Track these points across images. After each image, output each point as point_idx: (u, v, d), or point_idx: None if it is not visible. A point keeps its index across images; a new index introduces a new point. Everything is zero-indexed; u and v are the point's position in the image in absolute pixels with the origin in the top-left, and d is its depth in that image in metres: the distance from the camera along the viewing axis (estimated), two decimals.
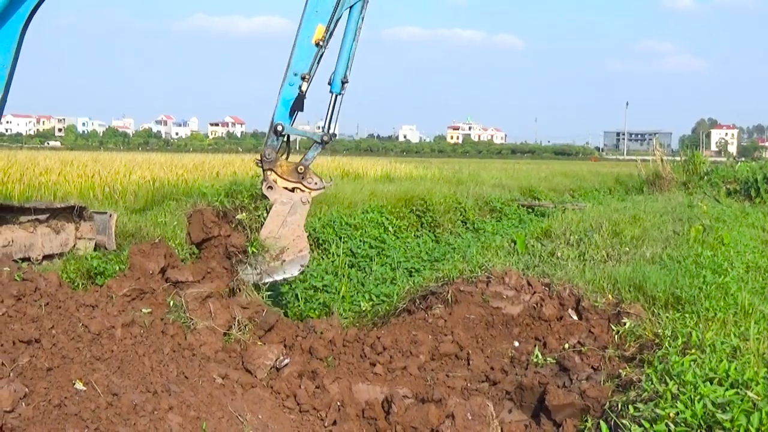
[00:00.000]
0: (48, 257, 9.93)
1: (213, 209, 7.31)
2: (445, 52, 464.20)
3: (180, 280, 6.77)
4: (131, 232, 11.47)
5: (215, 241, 7.18)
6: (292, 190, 7.48)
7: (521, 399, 6.00)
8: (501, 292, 7.32)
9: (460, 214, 18.95)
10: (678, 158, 31.72)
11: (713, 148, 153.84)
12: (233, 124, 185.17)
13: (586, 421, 5.36)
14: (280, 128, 7.39)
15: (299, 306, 9.81)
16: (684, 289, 7.12)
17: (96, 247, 10.53)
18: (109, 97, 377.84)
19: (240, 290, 7.27)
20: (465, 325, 7.11)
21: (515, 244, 10.10)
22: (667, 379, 4.86)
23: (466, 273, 7.82)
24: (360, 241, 13.60)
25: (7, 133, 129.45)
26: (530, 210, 22.67)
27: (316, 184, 7.55)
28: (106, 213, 11.10)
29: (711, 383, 4.59)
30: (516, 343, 6.90)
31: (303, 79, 7.30)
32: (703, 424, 4.22)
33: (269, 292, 7.78)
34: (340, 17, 7.48)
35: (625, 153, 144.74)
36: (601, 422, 4.92)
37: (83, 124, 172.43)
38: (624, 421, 4.67)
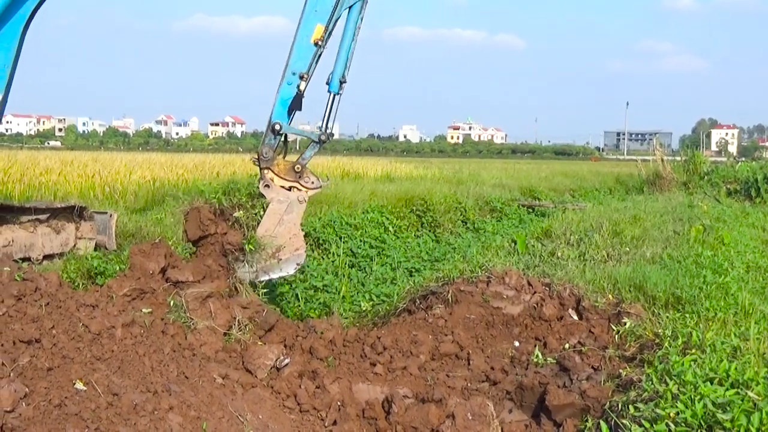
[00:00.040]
0: (48, 257, 9.93)
1: (210, 207, 7.31)
2: (446, 52, 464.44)
3: (180, 280, 6.77)
4: (131, 232, 11.47)
5: (212, 239, 7.18)
6: (289, 188, 7.49)
7: (521, 399, 6.00)
8: (501, 292, 7.32)
9: (461, 214, 18.95)
10: (678, 158, 31.73)
11: (713, 148, 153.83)
12: (233, 124, 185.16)
13: (587, 421, 5.36)
14: (277, 127, 7.40)
15: (299, 306, 9.81)
16: (684, 289, 7.12)
17: (96, 247, 10.53)
18: (109, 97, 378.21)
19: (237, 290, 7.27)
20: (465, 325, 7.11)
21: (515, 244, 10.11)
22: (668, 379, 4.86)
23: (466, 273, 7.82)
24: (360, 240, 13.60)
25: (7, 133, 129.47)
26: (530, 210, 22.67)
27: (312, 183, 7.56)
28: (106, 213, 11.09)
29: (711, 383, 4.59)
30: (516, 343, 6.90)
31: (301, 78, 7.30)
32: (703, 424, 4.22)
33: (265, 289, 7.78)
34: (339, 17, 7.48)
35: (625, 153, 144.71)
36: (602, 422, 4.92)
37: (83, 124, 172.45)
38: (624, 421, 4.67)
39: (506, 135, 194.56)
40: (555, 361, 6.31)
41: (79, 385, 4.56)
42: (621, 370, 5.77)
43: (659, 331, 6.11)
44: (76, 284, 8.22)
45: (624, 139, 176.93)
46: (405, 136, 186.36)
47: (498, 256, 9.09)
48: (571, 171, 42.61)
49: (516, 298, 7.26)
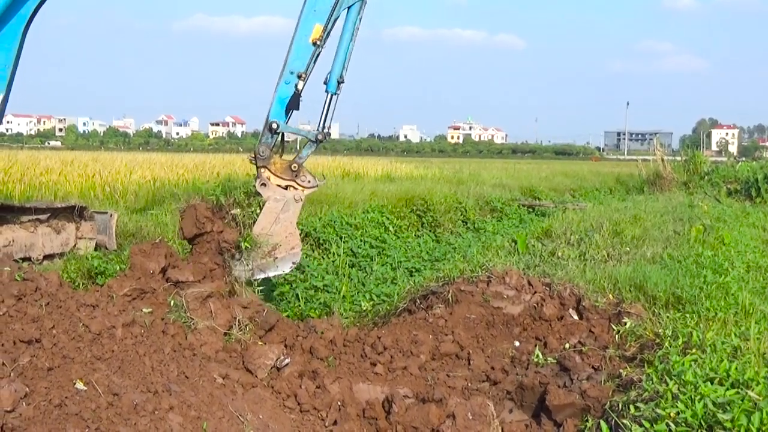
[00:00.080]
0: (48, 257, 9.93)
1: (206, 205, 7.32)
2: (446, 52, 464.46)
3: (181, 280, 6.77)
4: (132, 231, 11.47)
5: (208, 237, 7.18)
6: (286, 187, 7.50)
7: (522, 399, 6.00)
8: (502, 291, 7.32)
9: (461, 214, 18.95)
10: (679, 158, 31.75)
11: (714, 147, 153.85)
12: (234, 124, 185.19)
13: (587, 420, 5.36)
14: (275, 126, 7.42)
15: (300, 306, 9.81)
16: (685, 289, 7.12)
17: (97, 247, 10.53)
18: (109, 97, 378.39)
19: (234, 288, 7.27)
20: (466, 325, 7.11)
21: (516, 243, 10.11)
22: (668, 379, 4.86)
23: (466, 273, 7.82)
24: (361, 240, 13.60)
25: (7, 133, 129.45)
26: (531, 210, 22.67)
27: (309, 182, 7.57)
28: (106, 213, 11.10)
29: (711, 383, 4.59)
30: (517, 343, 6.90)
31: (299, 77, 7.31)
32: (703, 423, 4.22)
33: (261, 287, 7.78)
34: (338, 17, 7.49)
35: (625, 153, 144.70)
36: (602, 422, 4.93)
37: (84, 124, 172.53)
38: (624, 421, 4.67)
39: (506, 135, 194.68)
40: (555, 360, 6.31)
41: (80, 385, 4.56)
42: (621, 370, 5.77)
43: (659, 330, 6.11)
44: (77, 284, 8.23)
45: (624, 139, 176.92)
46: (405, 136, 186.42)
47: (498, 255, 9.09)
48: (572, 171, 42.61)
49: (516, 297, 7.26)
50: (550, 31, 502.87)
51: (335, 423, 5.85)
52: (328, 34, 7.46)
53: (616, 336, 6.48)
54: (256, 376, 6.26)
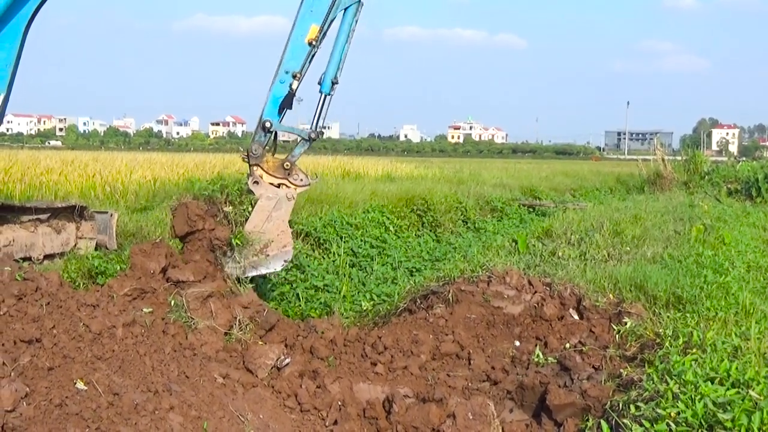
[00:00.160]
0: (49, 257, 9.92)
1: (198, 203, 7.32)
2: (446, 51, 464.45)
3: (181, 280, 6.78)
4: (132, 231, 11.46)
5: (199, 235, 7.18)
6: (278, 186, 7.51)
7: (522, 398, 6.00)
8: (502, 291, 7.32)
9: (461, 214, 18.94)
10: (679, 158, 31.72)
11: (714, 147, 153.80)
12: (234, 124, 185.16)
13: (587, 420, 5.36)
14: (268, 125, 7.45)
15: (300, 305, 9.81)
16: (685, 289, 7.12)
17: (97, 247, 10.52)
18: (110, 96, 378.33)
19: (226, 282, 7.27)
20: (466, 325, 7.11)
21: (516, 243, 10.11)
22: (668, 379, 4.86)
23: (467, 272, 7.82)
24: (361, 240, 13.60)
25: (8, 133, 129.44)
26: (531, 209, 22.64)
27: (301, 180, 7.58)
28: (107, 212, 11.08)
29: (712, 383, 4.59)
30: (517, 343, 6.90)
31: (294, 77, 7.33)
32: (704, 423, 4.22)
33: (251, 284, 7.76)
34: (335, 18, 7.52)
35: (626, 152, 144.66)
36: (602, 422, 4.93)
37: (84, 123, 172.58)
38: (625, 421, 4.67)
39: (507, 135, 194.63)
40: (556, 360, 6.31)
41: (80, 385, 4.56)
42: (622, 370, 5.76)
43: (660, 330, 6.11)
44: (77, 284, 8.23)
45: (625, 138, 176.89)
46: (406, 136, 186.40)
47: (499, 255, 9.09)
48: (572, 171, 42.56)
49: (517, 297, 7.26)
50: (550, 30, 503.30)
51: (336, 423, 5.85)
52: (324, 34, 7.49)
53: (617, 336, 6.47)
54: (257, 376, 6.26)
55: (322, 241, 13.05)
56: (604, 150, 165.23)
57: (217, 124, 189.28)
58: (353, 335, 7.13)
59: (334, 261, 12.25)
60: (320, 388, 6.10)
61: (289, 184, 7.53)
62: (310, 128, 7.66)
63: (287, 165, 7.50)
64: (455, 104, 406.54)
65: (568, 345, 6.55)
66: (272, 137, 7.59)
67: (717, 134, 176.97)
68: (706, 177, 27.27)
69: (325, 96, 7.60)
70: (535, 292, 7.34)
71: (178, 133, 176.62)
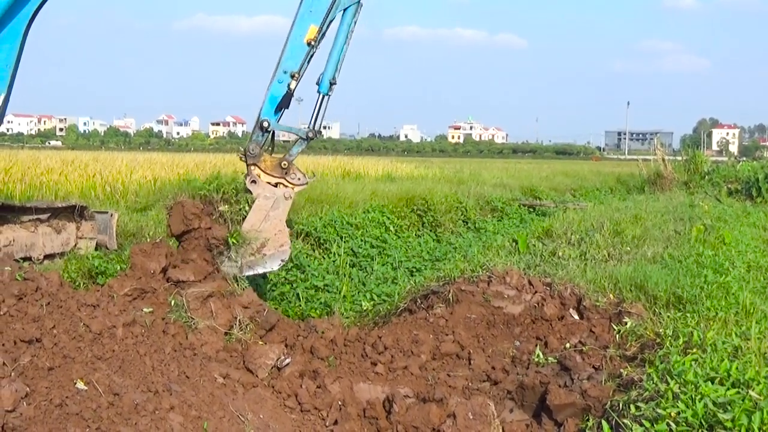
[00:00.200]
0: (49, 257, 9.92)
1: (194, 202, 7.33)
2: (447, 51, 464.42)
3: (181, 280, 6.78)
4: (132, 231, 11.47)
5: (195, 234, 7.19)
6: (276, 185, 7.52)
7: (522, 398, 6.00)
8: (502, 291, 7.32)
9: (462, 214, 18.93)
10: (679, 158, 31.70)
11: (714, 147, 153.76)
12: (234, 124, 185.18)
13: (588, 420, 5.36)
14: (265, 124, 7.46)
15: (300, 305, 9.81)
16: (685, 289, 7.11)
17: (97, 247, 10.53)
18: (110, 96, 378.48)
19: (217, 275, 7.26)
20: (466, 325, 7.11)
21: (516, 243, 10.11)
22: (669, 379, 4.86)
23: (467, 272, 7.82)
24: (361, 240, 13.60)
25: (8, 133, 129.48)
26: (531, 209, 22.64)
27: (299, 179, 7.58)
28: (107, 212, 11.09)
29: (712, 383, 4.59)
30: (517, 343, 6.90)
31: (292, 77, 7.34)
32: (704, 423, 4.22)
33: (245, 285, 7.77)
34: (334, 19, 7.52)
35: (626, 152, 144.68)
36: (603, 422, 4.93)
37: (84, 123, 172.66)
38: (625, 421, 4.67)
39: (507, 135, 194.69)
40: (556, 360, 6.31)
41: (80, 385, 4.56)
42: (622, 370, 5.76)
43: (660, 330, 6.10)
44: (77, 284, 8.23)
45: (625, 138, 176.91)
46: (406, 136, 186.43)
47: (499, 255, 9.09)
48: (572, 171, 42.56)
49: (517, 297, 7.26)
50: (550, 30, 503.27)
51: (336, 423, 5.85)
52: (323, 35, 7.49)
53: (617, 336, 6.47)
54: (257, 376, 6.26)
55: (322, 241, 13.05)
56: (604, 150, 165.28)
57: (218, 124, 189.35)
58: (353, 335, 7.13)
59: (334, 261, 12.25)
60: (320, 388, 6.10)
61: (286, 184, 7.54)
62: (308, 128, 7.67)
63: (284, 164, 7.51)
64: (455, 104, 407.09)
65: (568, 345, 6.54)
66: (270, 137, 7.61)
67: (717, 134, 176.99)
68: (707, 177, 27.25)
69: (323, 96, 7.62)
70: (536, 292, 7.34)
71: (178, 133, 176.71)
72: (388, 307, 8.42)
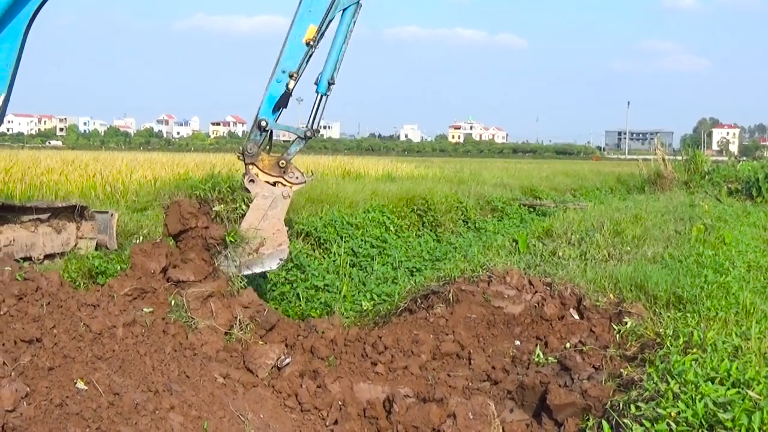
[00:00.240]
0: (49, 256, 9.93)
1: (190, 201, 7.33)
2: (447, 51, 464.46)
3: (181, 280, 6.78)
4: (132, 231, 11.47)
5: (193, 233, 7.18)
6: (274, 184, 7.52)
7: (523, 398, 6.00)
8: (502, 291, 7.32)
9: (462, 214, 18.94)
10: (679, 157, 31.70)
11: (715, 147, 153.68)
12: (235, 124, 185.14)
13: (588, 420, 5.36)
14: (263, 124, 7.47)
15: (301, 305, 9.81)
16: (685, 289, 7.11)
17: (97, 247, 10.53)
18: (110, 96, 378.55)
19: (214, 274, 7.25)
20: (466, 325, 7.11)
21: (517, 243, 10.11)
22: (669, 379, 4.86)
23: (467, 272, 7.82)
24: (361, 240, 13.60)
25: (8, 133, 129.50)
26: (531, 209, 22.64)
27: (297, 178, 7.59)
28: (107, 212, 11.09)
29: (712, 382, 4.59)
30: (517, 343, 6.90)
31: (291, 77, 7.34)
32: (704, 423, 4.22)
33: (242, 284, 7.77)
34: (333, 19, 7.52)
35: (626, 152, 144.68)
36: (603, 422, 4.93)
37: (85, 123, 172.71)
38: (625, 421, 4.67)
39: (507, 134, 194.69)
40: (556, 360, 6.31)
41: (81, 385, 4.56)
42: (622, 370, 5.76)
43: (660, 330, 6.10)
44: (77, 284, 8.23)
45: (625, 138, 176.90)
46: (406, 136, 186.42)
47: (499, 255, 9.09)
48: (572, 170, 42.56)
49: (517, 297, 7.26)
50: (551, 30, 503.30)
51: (336, 422, 5.85)
52: (322, 35, 7.49)
53: (617, 335, 6.47)
54: (257, 376, 6.26)
55: (322, 240, 13.06)
56: (604, 150, 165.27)
57: (218, 124, 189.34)
58: (353, 335, 7.13)
59: (334, 261, 12.25)
60: (321, 388, 6.10)
61: (285, 183, 7.55)
62: (306, 127, 7.68)
63: (282, 163, 7.51)
64: (456, 104, 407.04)
65: (568, 345, 6.54)
66: (268, 136, 7.61)
67: (717, 134, 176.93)
68: (707, 177, 27.25)
69: (322, 96, 7.62)
70: (536, 291, 7.34)
71: (178, 133, 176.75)
72: (389, 307, 8.42)
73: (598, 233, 10.67)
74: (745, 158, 51.72)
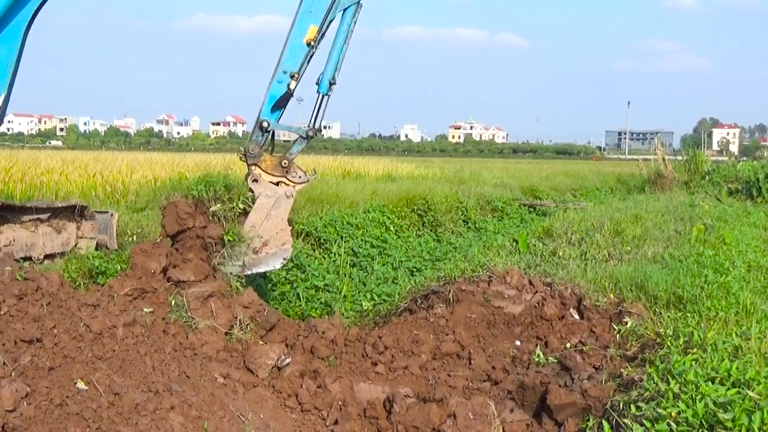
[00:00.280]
0: (49, 256, 9.92)
1: (187, 201, 7.33)
2: (447, 51, 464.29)
3: (182, 280, 6.78)
4: (133, 231, 11.47)
5: (190, 233, 7.19)
6: (277, 184, 7.53)
7: (523, 398, 6.00)
8: (502, 291, 7.32)
9: (462, 214, 18.94)
10: (680, 157, 31.72)
11: (715, 147, 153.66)
12: (235, 124, 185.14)
13: (588, 420, 5.36)
14: (265, 124, 7.48)
15: (301, 305, 9.81)
16: (686, 289, 7.11)
17: (97, 247, 10.53)
18: (110, 96, 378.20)
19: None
20: (466, 325, 7.11)
21: (517, 243, 10.11)
22: (669, 379, 4.86)
23: (467, 272, 7.82)
24: (362, 240, 13.60)
25: (9, 133, 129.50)
26: (532, 209, 22.65)
27: (300, 177, 7.60)
28: (107, 212, 11.08)
29: (712, 383, 4.59)
30: (517, 343, 6.90)
31: (292, 77, 7.34)
32: (704, 423, 4.22)
33: (238, 283, 7.77)
34: (333, 19, 7.52)
35: (626, 152, 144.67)
36: (603, 422, 4.93)
37: (85, 123, 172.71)
38: (626, 421, 4.67)
39: (507, 134, 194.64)
40: (556, 360, 6.31)
41: (81, 385, 4.57)
42: (622, 370, 5.76)
43: (661, 330, 6.10)
44: (78, 284, 8.22)
45: (625, 138, 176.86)
46: (406, 136, 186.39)
47: (499, 255, 9.09)
48: (573, 170, 42.56)
49: (517, 297, 7.26)
50: (551, 30, 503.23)
51: (336, 422, 5.85)
52: (323, 35, 7.49)
53: (617, 335, 6.47)
54: (257, 376, 6.26)
55: (322, 240, 13.06)
56: (604, 150, 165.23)
57: (218, 124, 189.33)
58: (354, 335, 7.13)
59: (334, 261, 12.26)
60: (321, 388, 6.10)
61: (287, 182, 7.56)
62: (308, 127, 7.68)
63: (285, 163, 7.52)
64: (456, 104, 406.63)
65: (568, 345, 6.54)
66: (270, 136, 7.62)
67: (717, 134, 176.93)
68: (707, 177, 27.25)
69: (323, 96, 7.63)
70: (536, 291, 7.35)
71: (178, 133, 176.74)
72: (389, 307, 8.42)
73: (599, 233, 10.67)
74: (745, 158, 51.72)
